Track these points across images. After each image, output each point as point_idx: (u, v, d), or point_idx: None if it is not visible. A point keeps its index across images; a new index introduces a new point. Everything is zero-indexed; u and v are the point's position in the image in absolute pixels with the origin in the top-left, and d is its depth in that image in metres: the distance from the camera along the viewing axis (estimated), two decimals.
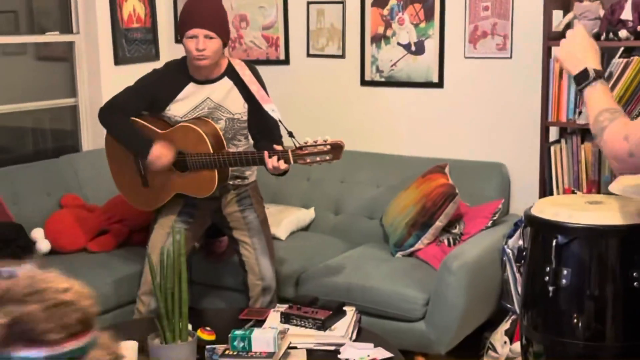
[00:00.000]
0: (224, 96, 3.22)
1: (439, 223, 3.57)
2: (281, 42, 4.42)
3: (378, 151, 4.14)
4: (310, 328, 2.83)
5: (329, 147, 2.98)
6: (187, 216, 3.33)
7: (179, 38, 4.08)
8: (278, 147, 3.01)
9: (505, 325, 3.40)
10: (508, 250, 3.33)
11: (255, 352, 2.54)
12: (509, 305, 3.40)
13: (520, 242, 3.26)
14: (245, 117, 3.24)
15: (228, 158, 3.15)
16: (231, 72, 3.24)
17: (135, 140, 3.23)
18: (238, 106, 3.22)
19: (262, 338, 2.57)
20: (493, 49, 3.82)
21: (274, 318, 2.92)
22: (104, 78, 4.36)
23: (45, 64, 4.57)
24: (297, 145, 2.99)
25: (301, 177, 4.18)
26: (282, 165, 3.00)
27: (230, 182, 3.31)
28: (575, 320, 2.05)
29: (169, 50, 4.35)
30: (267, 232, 3.46)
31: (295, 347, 2.72)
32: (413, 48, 4.04)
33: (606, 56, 3.23)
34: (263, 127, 3.22)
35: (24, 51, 4.46)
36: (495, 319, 3.47)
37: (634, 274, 2.00)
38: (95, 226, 3.89)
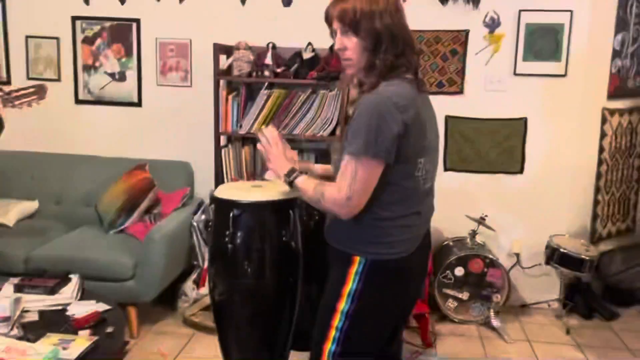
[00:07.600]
0: None
1: (143, 206, 3.42)
2: (3, 67, 3.85)
3: (93, 154, 3.83)
4: (42, 294, 2.53)
5: (32, 89, 2.53)
6: None
7: None
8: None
9: (193, 276, 3.41)
10: (195, 223, 3.33)
11: None
12: (195, 262, 3.41)
13: (204, 217, 3.29)
14: None
15: None
16: None
17: None
18: None
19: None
20: (178, 80, 3.78)
21: (7, 289, 2.54)
22: None
23: None
24: (6, 91, 2.47)
25: (25, 174, 3.71)
26: None
27: None
28: (246, 267, 2.12)
29: None
30: None
31: (29, 310, 2.40)
32: (117, 76, 3.82)
33: (256, 89, 3.40)
34: None
35: None
36: (185, 272, 3.42)
37: (283, 232, 2.12)
38: None
